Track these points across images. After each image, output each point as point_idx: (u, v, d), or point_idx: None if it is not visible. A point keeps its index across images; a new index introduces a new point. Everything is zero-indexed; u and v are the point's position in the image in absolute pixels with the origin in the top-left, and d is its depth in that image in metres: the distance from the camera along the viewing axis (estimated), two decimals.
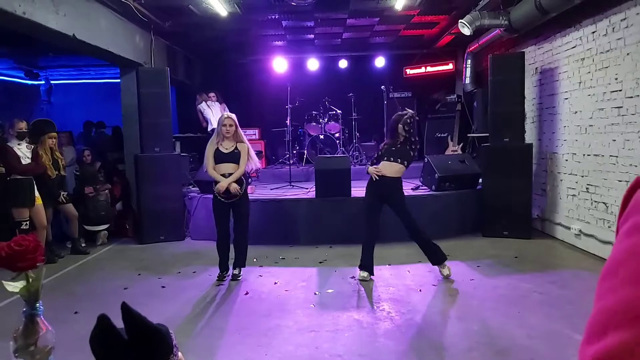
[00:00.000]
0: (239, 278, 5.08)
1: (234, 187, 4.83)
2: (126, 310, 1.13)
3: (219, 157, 4.96)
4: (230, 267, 5.15)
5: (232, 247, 5.13)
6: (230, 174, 4.90)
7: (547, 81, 6.86)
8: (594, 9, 5.47)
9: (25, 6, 4.83)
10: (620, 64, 5.13)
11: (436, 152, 8.72)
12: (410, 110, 5.06)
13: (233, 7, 6.98)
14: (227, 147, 4.98)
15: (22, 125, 5.93)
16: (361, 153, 9.75)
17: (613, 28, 5.25)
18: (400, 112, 5.04)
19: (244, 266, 5.19)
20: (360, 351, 3.35)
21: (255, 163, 5.19)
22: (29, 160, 5.87)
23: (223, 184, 4.84)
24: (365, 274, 4.92)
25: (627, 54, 5.01)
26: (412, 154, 4.90)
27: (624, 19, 5.04)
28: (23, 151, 5.88)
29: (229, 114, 5.15)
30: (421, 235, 4.88)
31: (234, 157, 4.96)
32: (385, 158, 4.87)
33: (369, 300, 4.39)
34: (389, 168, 4.84)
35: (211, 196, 5.13)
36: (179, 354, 1.19)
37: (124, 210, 7.61)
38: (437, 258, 4.90)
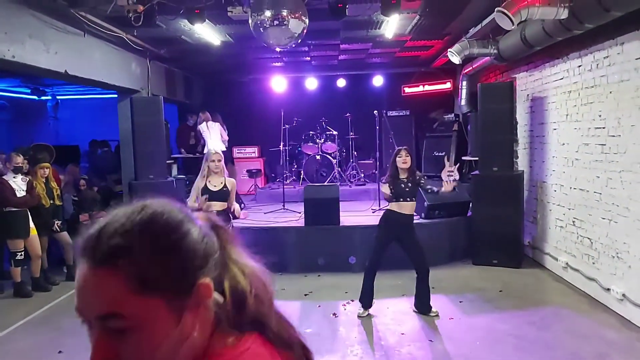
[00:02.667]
0: None
1: (238, 210, 4.91)
2: None
3: (208, 196, 4.87)
4: None
5: None
6: (217, 213, 4.88)
7: (537, 109, 6.84)
8: (579, 44, 5.45)
9: (15, 50, 4.97)
10: (604, 102, 5.12)
11: (434, 171, 8.74)
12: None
13: (225, 36, 7.08)
14: (215, 184, 4.95)
15: (19, 160, 6.08)
16: (359, 172, 9.81)
17: (597, 64, 5.23)
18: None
19: None
20: None
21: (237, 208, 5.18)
22: (24, 193, 6.03)
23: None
24: (361, 310, 5.04)
25: (610, 92, 4.99)
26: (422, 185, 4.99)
27: (607, 57, 5.03)
28: (18, 184, 6.03)
29: (217, 149, 5.18)
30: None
31: (222, 195, 4.92)
32: (402, 199, 4.90)
33: (345, 342, 4.45)
34: (407, 207, 4.92)
35: None
36: None
37: None
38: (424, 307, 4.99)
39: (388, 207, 5.06)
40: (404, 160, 4.87)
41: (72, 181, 7.71)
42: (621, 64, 4.77)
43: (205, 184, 4.93)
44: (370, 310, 5.20)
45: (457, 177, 5.20)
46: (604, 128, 5.13)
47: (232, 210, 5.10)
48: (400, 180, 4.89)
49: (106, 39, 6.64)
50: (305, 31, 4.54)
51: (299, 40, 4.61)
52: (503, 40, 6.39)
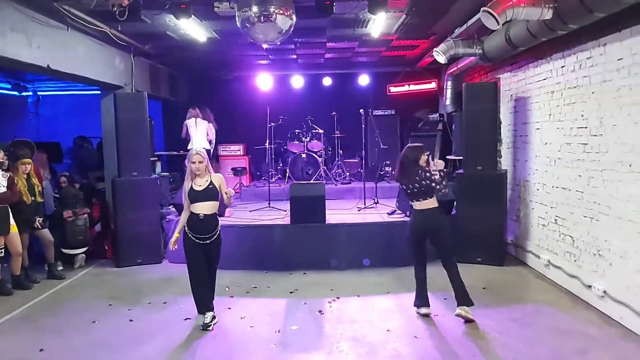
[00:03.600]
0: (210, 328, 4.68)
1: (231, 192, 4.69)
2: None
3: (193, 197, 4.64)
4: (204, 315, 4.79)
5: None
6: (205, 215, 4.61)
7: (520, 109, 6.93)
8: (563, 44, 5.53)
9: None
10: (586, 102, 5.20)
11: None
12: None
13: (211, 33, 7.04)
14: (200, 183, 4.66)
15: (0, 155, 5.97)
16: (344, 170, 9.83)
17: (580, 65, 5.31)
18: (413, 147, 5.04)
19: (213, 309, 4.85)
20: None
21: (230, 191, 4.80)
22: (4, 189, 5.91)
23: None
24: (423, 310, 4.97)
25: (592, 92, 5.07)
26: (434, 185, 4.84)
27: (589, 58, 5.11)
28: None
29: (198, 150, 4.78)
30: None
31: (209, 193, 4.66)
32: (416, 199, 4.89)
33: (330, 339, 4.45)
34: (422, 204, 4.89)
35: None
36: None
37: (103, 232, 7.67)
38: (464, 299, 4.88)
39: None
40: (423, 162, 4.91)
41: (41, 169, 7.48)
42: (603, 65, 4.85)
43: (192, 184, 4.68)
44: (359, 306, 5.23)
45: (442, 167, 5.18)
46: (586, 128, 5.21)
47: (225, 201, 4.80)
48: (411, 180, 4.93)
49: (90, 33, 6.55)
50: (292, 28, 4.54)
51: (286, 37, 4.59)
52: (488, 40, 6.46)
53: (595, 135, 5.04)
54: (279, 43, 4.71)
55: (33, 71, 6.02)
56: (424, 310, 4.97)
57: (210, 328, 4.66)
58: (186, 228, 4.71)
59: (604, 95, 4.87)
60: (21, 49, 5.30)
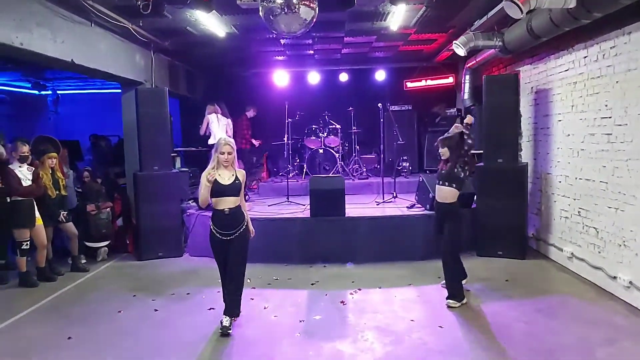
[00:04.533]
0: (230, 331, 4.37)
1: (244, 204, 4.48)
2: None
3: (218, 191, 4.33)
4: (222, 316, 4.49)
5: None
6: (231, 209, 4.34)
7: (541, 101, 6.87)
8: (586, 34, 5.48)
9: (23, 37, 4.97)
10: (610, 91, 5.15)
11: (436, 165, 8.74)
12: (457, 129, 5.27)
13: (230, 28, 7.08)
14: (226, 177, 4.38)
15: (25, 149, 6.07)
16: (361, 166, 9.83)
17: (603, 55, 5.27)
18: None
19: (239, 315, 4.58)
20: None
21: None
22: (29, 182, 6.02)
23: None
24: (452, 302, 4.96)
25: (616, 82, 5.03)
26: (461, 174, 4.96)
27: (613, 47, 5.06)
28: (24, 173, 6.02)
29: (228, 138, 4.55)
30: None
31: (235, 189, 4.38)
32: (438, 182, 5.05)
33: (354, 328, 4.46)
34: (438, 192, 5.03)
35: (209, 213, 4.63)
36: None
37: (124, 226, 7.76)
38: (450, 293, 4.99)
39: None
40: (442, 153, 5.05)
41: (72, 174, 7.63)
42: (628, 54, 4.81)
43: (216, 178, 4.35)
44: (381, 298, 5.24)
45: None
46: (610, 118, 5.17)
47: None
48: (442, 166, 5.13)
49: (112, 29, 6.63)
50: (315, 19, 4.55)
51: (308, 28, 4.61)
52: (508, 32, 6.42)
53: (620, 125, 4.99)
54: (299, 35, 4.71)
55: (57, 66, 6.10)
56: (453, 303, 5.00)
57: (230, 331, 4.33)
58: (211, 225, 4.43)
59: (629, 85, 4.82)
60: (46, 43, 5.39)
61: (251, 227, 4.58)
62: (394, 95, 10.49)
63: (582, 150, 5.77)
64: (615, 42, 5.01)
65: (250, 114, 10.14)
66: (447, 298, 4.97)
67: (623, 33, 4.85)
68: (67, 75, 11.45)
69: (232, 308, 4.48)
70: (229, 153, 4.37)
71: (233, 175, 4.41)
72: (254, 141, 10.19)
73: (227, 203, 4.36)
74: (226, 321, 4.41)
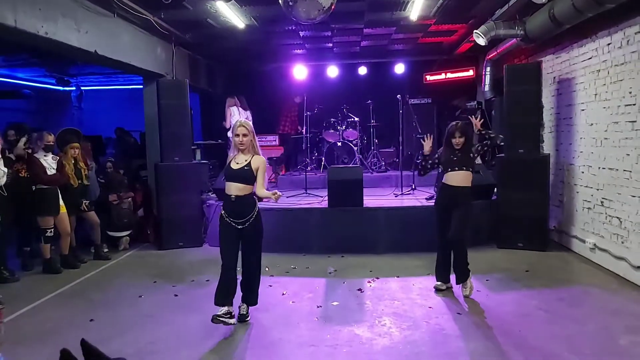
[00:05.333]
0: (247, 319, 4.32)
1: (278, 196, 4.07)
2: (85, 346, 1.28)
3: (228, 174, 4.23)
4: (236, 308, 4.32)
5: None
6: (237, 197, 4.13)
7: (564, 91, 6.76)
8: (609, 20, 5.38)
9: (48, 27, 5.07)
10: (634, 78, 5.05)
11: None
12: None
13: (250, 20, 7.13)
14: (238, 161, 4.19)
15: (50, 139, 6.21)
16: (380, 160, 9.80)
17: (627, 41, 5.16)
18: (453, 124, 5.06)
19: (255, 304, 4.42)
20: None
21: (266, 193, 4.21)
22: (54, 171, 6.15)
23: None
24: (439, 283, 5.03)
25: None
26: (476, 158, 4.94)
27: (638, 32, 4.96)
28: (49, 162, 6.16)
29: (243, 120, 4.34)
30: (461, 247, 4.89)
31: (242, 174, 4.13)
32: (450, 169, 4.86)
33: (372, 314, 4.46)
34: (454, 177, 4.85)
35: None
36: None
37: (145, 217, 7.88)
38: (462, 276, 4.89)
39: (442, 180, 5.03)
40: (457, 142, 4.83)
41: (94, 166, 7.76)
42: None
43: (230, 162, 4.23)
44: (399, 286, 5.22)
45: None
46: (634, 105, 5.06)
47: (258, 195, 4.25)
48: (451, 151, 4.88)
49: (134, 22, 6.73)
50: (334, 5, 4.56)
51: (327, 15, 4.62)
52: (530, 20, 6.33)
53: None
54: (318, 21, 4.72)
55: (81, 57, 6.22)
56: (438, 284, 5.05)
57: (219, 322, 4.00)
58: (222, 210, 4.27)
59: None
60: (70, 34, 5.49)
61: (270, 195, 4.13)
62: (413, 88, 10.42)
63: (605, 139, 5.67)
64: None
65: (297, 100, 10.18)
66: (462, 281, 4.89)
67: None
68: (90, 71, 11.67)
69: (248, 296, 4.35)
70: (244, 135, 4.16)
71: (247, 160, 4.16)
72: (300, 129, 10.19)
73: (233, 189, 4.15)
74: (243, 309, 4.34)
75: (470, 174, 4.87)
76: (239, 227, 4.16)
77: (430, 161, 5.04)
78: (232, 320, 4.08)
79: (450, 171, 4.86)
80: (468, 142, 4.88)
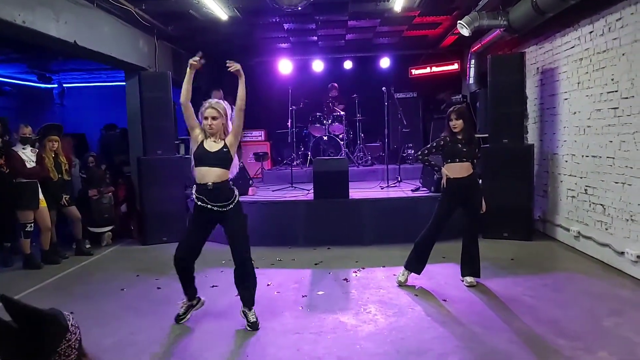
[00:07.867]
0: (253, 320, 3.90)
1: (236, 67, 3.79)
2: (6, 300, 1.19)
3: (201, 158, 3.71)
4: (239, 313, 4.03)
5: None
6: (214, 184, 3.69)
7: (547, 81, 6.79)
8: (591, 8, 5.41)
9: (25, 15, 4.96)
10: (616, 65, 5.08)
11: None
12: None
13: (233, 11, 7.06)
14: (212, 145, 3.75)
15: (27, 131, 6.09)
16: (366, 154, 9.78)
17: (609, 28, 5.19)
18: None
19: (252, 304, 3.97)
20: (340, 353, 3.40)
21: (235, 166, 3.92)
22: (33, 164, 6.03)
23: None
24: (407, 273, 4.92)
25: (623, 54, 4.96)
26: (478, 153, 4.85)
27: (619, 19, 4.99)
28: (28, 155, 6.04)
29: (214, 101, 3.87)
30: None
31: (221, 158, 3.71)
32: (458, 159, 4.68)
33: (357, 302, 4.42)
34: (460, 169, 4.68)
35: None
36: (78, 332, 1.25)
37: (128, 212, 7.76)
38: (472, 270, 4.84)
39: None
40: (454, 125, 4.65)
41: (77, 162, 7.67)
42: (635, 24, 4.74)
43: (202, 142, 3.74)
44: (385, 275, 5.19)
45: None
46: (616, 91, 5.09)
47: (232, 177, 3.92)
48: (457, 140, 4.69)
49: (115, 13, 6.63)
50: None
51: (309, 1, 4.57)
52: (513, 10, 6.35)
53: (627, 98, 4.92)
54: (301, 8, 4.68)
55: (60, 47, 6.09)
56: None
57: (252, 321, 3.86)
58: (195, 194, 3.80)
59: (635, 56, 4.75)
60: (49, 23, 5.38)
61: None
62: (398, 82, 10.40)
63: (588, 127, 5.70)
64: (622, 14, 4.94)
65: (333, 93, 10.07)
66: (472, 275, 4.83)
67: (630, 3, 4.78)
68: (72, 67, 11.50)
69: (248, 298, 3.94)
70: (213, 118, 3.69)
71: (222, 141, 3.76)
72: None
73: (211, 175, 3.69)
74: (252, 316, 3.89)
75: (470, 165, 4.78)
76: (221, 209, 3.73)
77: (427, 152, 4.81)
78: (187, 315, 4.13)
79: (457, 162, 4.67)
80: (467, 125, 4.69)
